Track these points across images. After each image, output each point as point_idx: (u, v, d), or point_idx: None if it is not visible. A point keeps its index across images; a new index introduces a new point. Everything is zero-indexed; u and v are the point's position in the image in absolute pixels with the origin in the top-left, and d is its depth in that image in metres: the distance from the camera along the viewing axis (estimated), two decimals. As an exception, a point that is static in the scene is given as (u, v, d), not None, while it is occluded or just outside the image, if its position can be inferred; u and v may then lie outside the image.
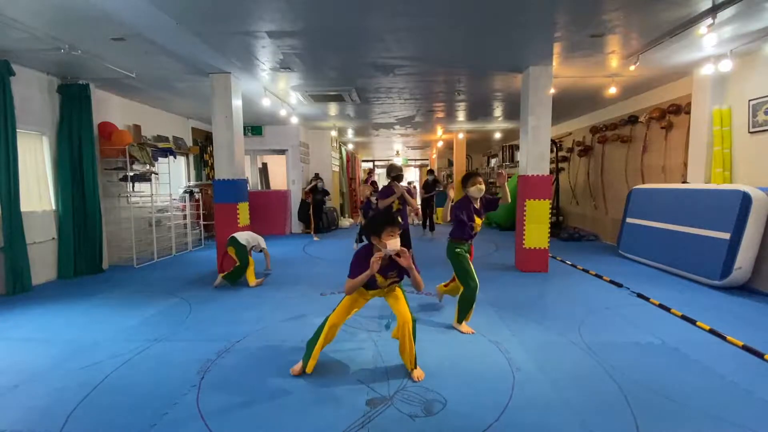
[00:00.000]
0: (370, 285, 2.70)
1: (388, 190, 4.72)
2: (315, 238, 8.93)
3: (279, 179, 11.44)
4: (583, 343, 3.16)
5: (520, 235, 5.68)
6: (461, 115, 9.23)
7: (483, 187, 3.48)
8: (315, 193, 9.55)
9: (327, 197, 10.48)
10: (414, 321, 2.70)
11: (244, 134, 7.20)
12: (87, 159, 5.61)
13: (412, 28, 4.13)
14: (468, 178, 3.52)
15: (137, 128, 7.06)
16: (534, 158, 5.53)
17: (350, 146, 15.56)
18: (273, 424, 2.18)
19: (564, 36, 4.35)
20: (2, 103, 4.52)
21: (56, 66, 5.11)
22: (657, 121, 6.63)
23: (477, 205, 3.52)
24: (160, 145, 7.25)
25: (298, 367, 2.70)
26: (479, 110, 8.61)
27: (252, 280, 4.94)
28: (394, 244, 2.50)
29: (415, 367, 2.67)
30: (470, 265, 3.48)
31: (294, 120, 9.02)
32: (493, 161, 15.68)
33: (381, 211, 2.55)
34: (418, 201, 13.56)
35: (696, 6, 3.65)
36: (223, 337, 3.35)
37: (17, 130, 4.69)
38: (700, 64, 5.26)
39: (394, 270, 2.67)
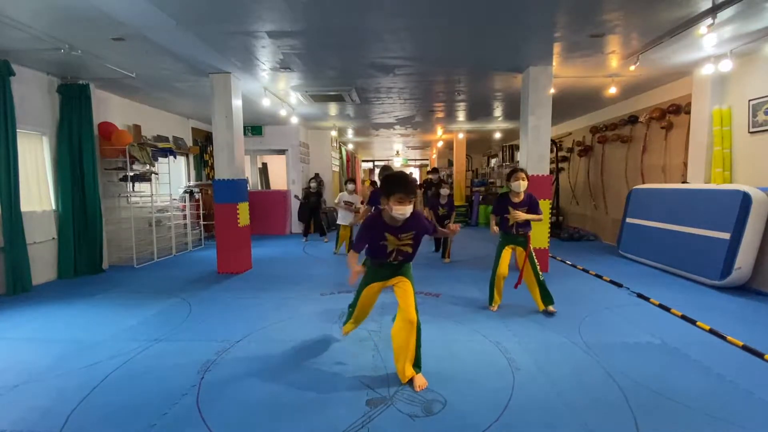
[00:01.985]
0: (380, 257, 2.61)
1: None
2: (325, 240, 8.77)
3: (279, 179, 11.45)
4: (583, 343, 3.16)
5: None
6: (461, 115, 9.23)
7: (525, 182, 3.78)
8: (309, 197, 8.82)
9: (321, 198, 10.42)
10: (419, 326, 2.58)
11: (244, 134, 7.20)
12: (87, 159, 5.61)
13: (412, 28, 4.13)
14: (511, 174, 3.85)
15: (137, 128, 7.06)
16: (534, 158, 5.52)
17: (350, 146, 15.56)
18: (272, 424, 2.18)
19: (564, 36, 4.35)
20: (2, 103, 4.52)
21: (56, 66, 5.11)
22: (657, 121, 6.63)
23: (517, 199, 3.81)
24: (160, 145, 7.25)
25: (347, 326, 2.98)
26: (479, 110, 8.61)
27: None
28: (405, 210, 2.44)
29: (417, 373, 2.56)
30: (500, 254, 3.90)
31: (294, 120, 9.02)
32: (493, 161, 15.69)
33: (399, 174, 2.52)
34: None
35: (696, 6, 3.65)
36: (223, 337, 3.35)
37: (17, 130, 4.69)
38: (700, 64, 5.26)
39: (408, 232, 2.54)
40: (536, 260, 3.89)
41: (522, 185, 3.77)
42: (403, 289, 2.64)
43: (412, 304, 2.60)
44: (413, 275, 2.74)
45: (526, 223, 3.81)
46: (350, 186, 7.01)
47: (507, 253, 3.90)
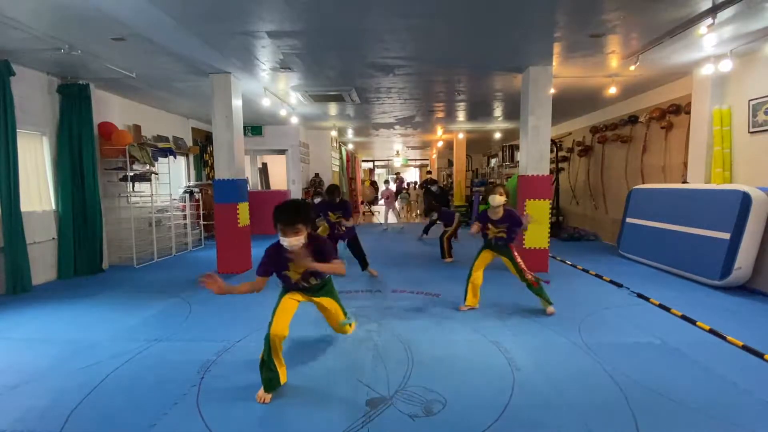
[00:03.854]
0: (288, 284, 2.58)
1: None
2: None
3: (279, 179, 11.46)
4: (583, 343, 3.16)
5: (519, 234, 5.67)
6: (461, 115, 9.23)
7: (502, 197, 3.73)
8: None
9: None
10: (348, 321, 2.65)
11: (244, 134, 7.19)
12: (87, 159, 5.61)
13: (412, 28, 4.13)
14: (488, 190, 3.82)
15: (137, 128, 7.06)
16: (534, 158, 5.52)
17: (350, 146, 15.56)
18: (273, 424, 2.18)
19: (564, 36, 4.35)
20: (2, 103, 4.52)
21: (56, 66, 5.11)
22: (657, 121, 6.63)
23: (495, 216, 3.79)
24: (160, 145, 7.25)
25: (261, 392, 2.39)
26: (479, 110, 8.61)
27: None
28: (289, 242, 2.31)
29: None
30: (477, 259, 3.99)
31: (294, 120, 9.02)
32: (493, 161, 15.69)
33: (285, 202, 2.42)
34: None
35: (696, 6, 3.65)
36: (223, 337, 3.35)
37: (17, 130, 4.69)
38: (700, 64, 5.26)
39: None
40: (520, 265, 3.85)
41: (498, 200, 3.70)
42: (323, 307, 2.76)
43: (338, 325, 2.82)
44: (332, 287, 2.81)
45: (507, 235, 3.83)
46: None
47: (483, 255, 3.99)
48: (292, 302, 2.60)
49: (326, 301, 2.74)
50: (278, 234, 2.35)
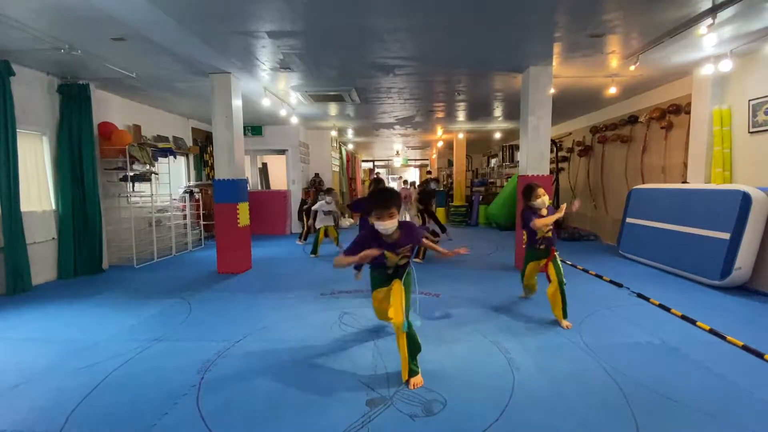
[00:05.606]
0: (379, 266, 2.71)
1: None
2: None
3: (279, 179, 11.45)
4: (583, 343, 3.16)
5: (520, 235, 5.68)
6: (461, 115, 9.23)
7: (546, 198, 3.69)
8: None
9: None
10: (407, 325, 2.50)
11: (244, 134, 7.19)
12: (87, 159, 5.61)
13: (412, 28, 4.13)
14: (530, 192, 3.70)
15: (137, 128, 7.06)
16: (534, 158, 5.52)
17: (350, 146, 15.56)
18: (273, 424, 2.18)
19: (564, 36, 4.35)
20: (2, 103, 4.52)
21: (56, 66, 5.11)
22: (657, 121, 6.63)
23: (543, 213, 3.73)
24: (160, 145, 7.25)
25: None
26: (479, 110, 8.61)
27: None
28: (385, 226, 2.47)
29: (410, 376, 2.51)
30: (527, 269, 3.99)
31: (294, 120, 9.02)
32: (493, 161, 15.69)
33: (378, 190, 2.65)
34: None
35: (696, 6, 3.65)
36: (223, 337, 3.35)
37: (17, 130, 4.69)
38: (700, 64, 5.26)
39: (402, 246, 2.62)
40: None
41: (544, 202, 3.68)
42: (393, 288, 2.66)
43: (397, 309, 2.54)
44: (412, 276, 2.79)
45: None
46: (328, 198, 7.09)
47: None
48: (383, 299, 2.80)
49: (396, 283, 2.68)
50: (373, 220, 2.53)
